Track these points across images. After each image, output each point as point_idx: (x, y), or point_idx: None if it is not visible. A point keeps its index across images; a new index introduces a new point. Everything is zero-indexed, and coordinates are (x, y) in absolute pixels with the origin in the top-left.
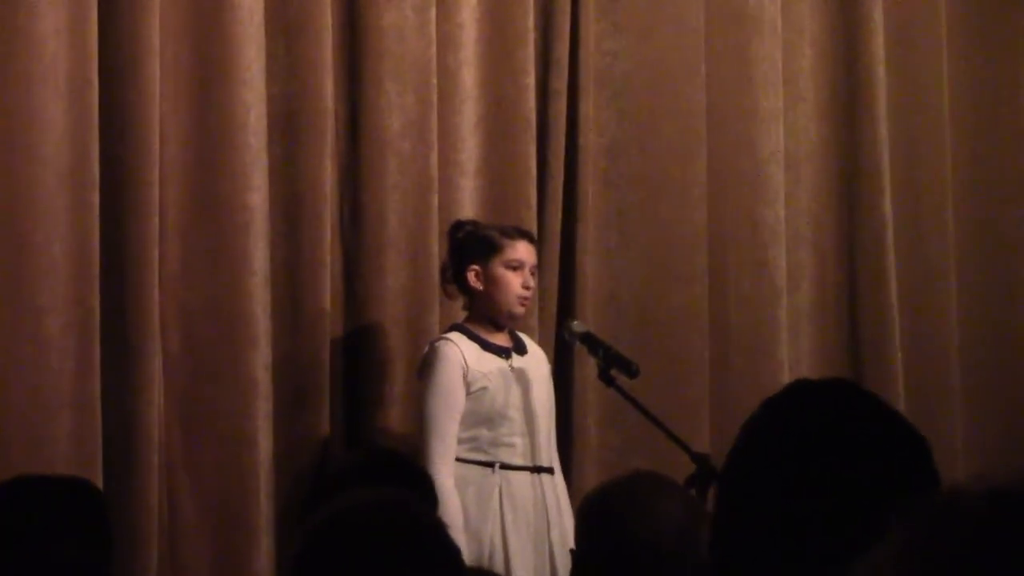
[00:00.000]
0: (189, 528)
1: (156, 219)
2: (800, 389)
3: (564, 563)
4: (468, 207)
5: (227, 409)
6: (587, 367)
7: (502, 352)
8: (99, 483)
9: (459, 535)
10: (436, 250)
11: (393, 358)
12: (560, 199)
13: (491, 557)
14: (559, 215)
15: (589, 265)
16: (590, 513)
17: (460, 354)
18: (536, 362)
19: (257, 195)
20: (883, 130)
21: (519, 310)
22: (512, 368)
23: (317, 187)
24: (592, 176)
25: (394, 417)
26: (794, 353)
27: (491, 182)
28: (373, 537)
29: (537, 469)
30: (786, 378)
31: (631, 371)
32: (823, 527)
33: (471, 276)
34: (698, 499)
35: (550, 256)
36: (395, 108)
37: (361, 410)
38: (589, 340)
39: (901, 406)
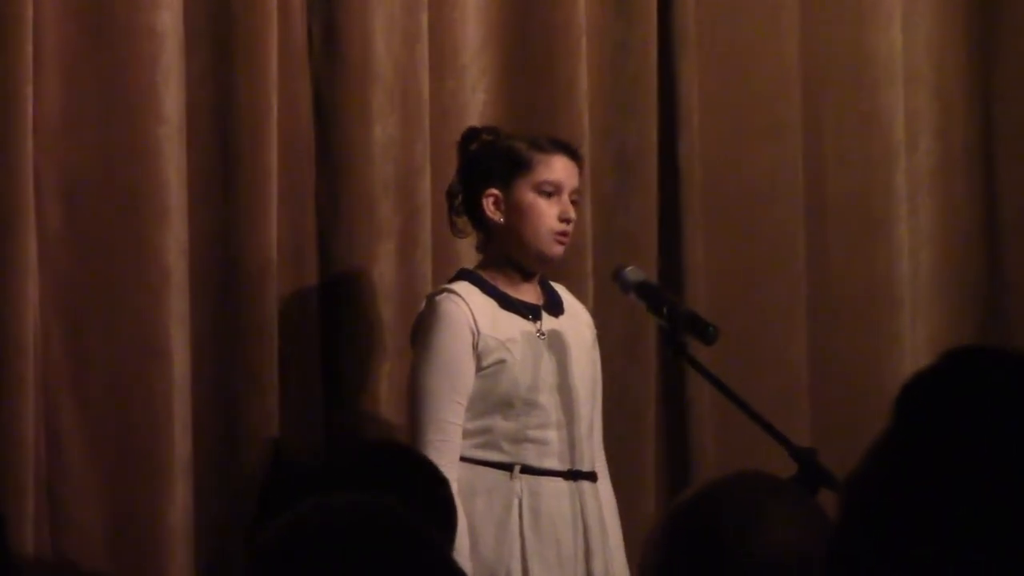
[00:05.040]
0: (77, 470)
1: (29, 48)
2: (975, 370)
3: None
4: (472, 28)
5: (128, 308)
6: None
7: (529, 311)
8: None
9: (463, 561)
10: (426, 86)
11: (382, 234)
12: None
13: None
14: None
15: None
16: (682, 526)
17: (468, 313)
18: (576, 324)
19: (167, 13)
20: None
21: (556, 250)
22: (542, 333)
23: None
24: None
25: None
26: (914, 236)
27: None
28: (346, 557)
29: (575, 475)
30: (906, 269)
31: (707, 336)
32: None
33: (488, 204)
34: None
35: None
36: None
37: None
38: (648, 292)
39: None
